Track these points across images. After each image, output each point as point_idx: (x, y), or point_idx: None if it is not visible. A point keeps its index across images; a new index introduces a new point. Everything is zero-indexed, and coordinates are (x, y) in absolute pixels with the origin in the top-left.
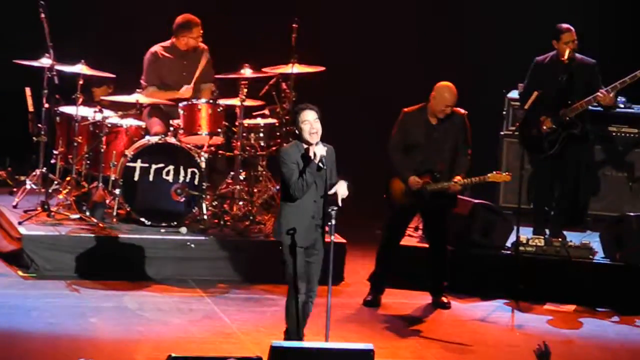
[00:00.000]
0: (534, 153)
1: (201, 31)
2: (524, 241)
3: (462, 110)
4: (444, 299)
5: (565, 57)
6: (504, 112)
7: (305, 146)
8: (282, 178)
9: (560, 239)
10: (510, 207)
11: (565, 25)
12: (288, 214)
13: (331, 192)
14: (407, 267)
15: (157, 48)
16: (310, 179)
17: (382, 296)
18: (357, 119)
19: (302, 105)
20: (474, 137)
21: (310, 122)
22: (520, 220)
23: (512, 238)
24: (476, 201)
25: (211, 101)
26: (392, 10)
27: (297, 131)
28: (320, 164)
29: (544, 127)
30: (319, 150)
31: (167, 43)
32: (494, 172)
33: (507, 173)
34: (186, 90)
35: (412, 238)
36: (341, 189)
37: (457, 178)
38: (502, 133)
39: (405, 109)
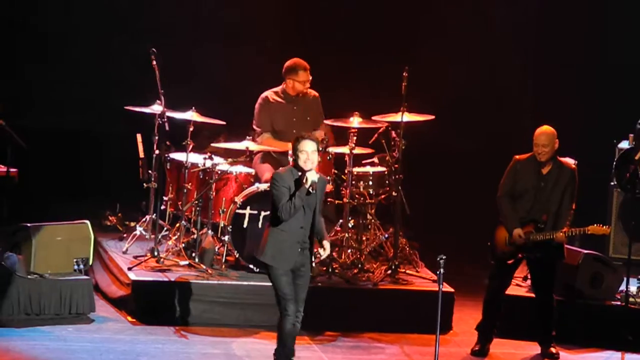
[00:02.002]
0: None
1: (309, 77)
2: (634, 292)
3: (573, 165)
4: (553, 350)
5: None
6: (615, 162)
7: (300, 173)
8: (272, 201)
9: None
10: (620, 257)
11: None
12: (276, 238)
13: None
14: (516, 316)
15: (268, 93)
16: (298, 203)
17: (490, 345)
18: (467, 167)
19: (304, 134)
20: (585, 186)
21: (308, 152)
22: (630, 271)
23: (622, 288)
24: (586, 252)
25: (321, 149)
26: (502, 58)
27: (294, 158)
28: (310, 189)
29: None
30: (311, 176)
31: (278, 88)
32: (595, 225)
33: (607, 227)
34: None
35: (520, 287)
36: (327, 250)
37: (565, 229)
38: (612, 183)
39: (517, 156)
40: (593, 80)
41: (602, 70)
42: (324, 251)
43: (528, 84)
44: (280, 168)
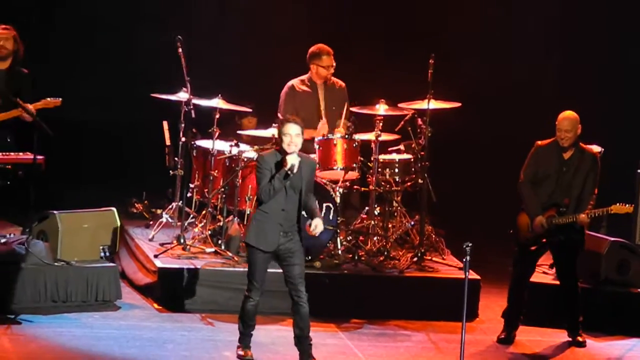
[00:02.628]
0: None
1: (333, 62)
2: None
3: (595, 150)
4: (580, 338)
5: None
6: None
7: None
8: (257, 182)
9: None
10: None
11: None
12: (257, 219)
13: (310, 226)
14: (543, 304)
15: (294, 82)
16: (277, 185)
17: (516, 333)
18: (492, 153)
19: (289, 117)
20: (612, 171)
21: (292, 135)
22: None
23: None
24: (612, 239)
25: (347, 136)
26: (527, 45)
27: (279, 140)
28: (289, 172)
29: None
30: (290, 159)
31: (304, 76)
32: (617, 204)
33: (629, 205)
34: (322, 127)
35: (546, 275)
36: (318, 227)
37: (587, 211)
38: (639, 170)
39: (539, 142)
40: (620, 66)
41: (630, 56)
42: (316, 228)
43: (553, 69)
44: (265, 151)
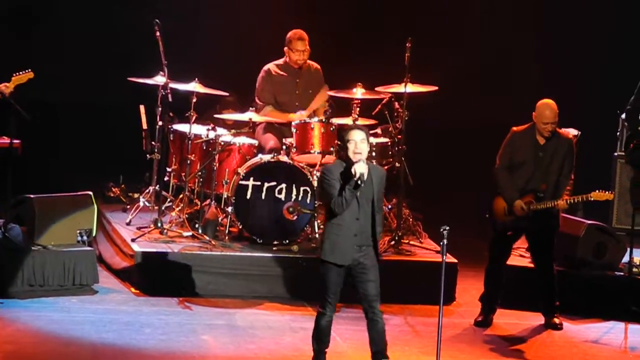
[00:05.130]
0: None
1: (307, 47)
2: (638, 262)
3: (571, 135)
4: (556, 320)
5: None
6: (618, 133)
7: (347, 165)
8: (322, 194)
9: None
10: (624, 228)
11: None
12: (331, 232)
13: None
14: (519, 287)
15: (270, 66)
16: (349, 196)
17: (493, 316)
18: (469, 136)
19: (352, 125)
20: (589, 157)
21: (356, 142)
22: (633, 242)
23: (625, 259)
24: (589, 222)
25: (324, 120)
26: (504, 30)
27: (341, 149)
28: (359, 182)
29: None
30: (359, 168)
31: (280, 61)
32: (597, 191)
33: (609, 192)
34: (300, 117)
35: (523, 258)
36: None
37: (565, 197)
38: (615, 154)
39: (514, 128)
40: (598, 52)
41: (608, 42)
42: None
43: (533, 55)
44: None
